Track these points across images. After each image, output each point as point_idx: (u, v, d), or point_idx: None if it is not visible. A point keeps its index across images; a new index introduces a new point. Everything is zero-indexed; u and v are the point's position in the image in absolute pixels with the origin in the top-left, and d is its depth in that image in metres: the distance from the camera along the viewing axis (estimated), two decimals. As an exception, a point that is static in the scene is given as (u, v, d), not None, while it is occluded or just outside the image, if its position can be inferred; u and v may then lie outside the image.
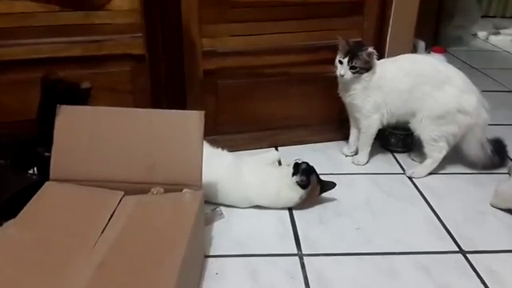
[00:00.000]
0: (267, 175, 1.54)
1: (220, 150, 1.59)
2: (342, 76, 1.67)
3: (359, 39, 1.77)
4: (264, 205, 1.52)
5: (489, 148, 1.76)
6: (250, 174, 1.52)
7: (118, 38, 1.59)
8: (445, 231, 1.46)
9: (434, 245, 1.40)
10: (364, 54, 1.65)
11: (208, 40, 1.69)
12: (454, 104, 1.66)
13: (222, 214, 1.48)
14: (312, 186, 1.50)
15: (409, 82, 1.68)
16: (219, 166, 1.51)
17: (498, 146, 1.79)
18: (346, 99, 1.76)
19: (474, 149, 1.75)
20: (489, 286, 1.25)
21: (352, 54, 1.65)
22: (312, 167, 1.52)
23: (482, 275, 1.28)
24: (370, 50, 1.65)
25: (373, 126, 1.76)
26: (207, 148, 1.45)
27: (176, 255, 0.98)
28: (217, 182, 1.48)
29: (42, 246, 1.01)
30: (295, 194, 1.50)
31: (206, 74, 1.74)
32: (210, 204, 1.50)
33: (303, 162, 1.52)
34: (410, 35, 1.88)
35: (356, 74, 1.66)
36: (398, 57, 1.75)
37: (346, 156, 1.88)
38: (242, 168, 1.54)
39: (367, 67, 1.66)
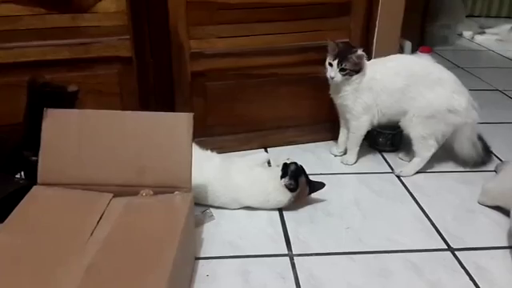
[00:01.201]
0: (256, 176, 1.54)
1: (209, 151, 1.59)
2: (332, 78, 1.68)
3: (347, 40, 1.78)
4: (254, 206, 1.52)
5: (480, 146, 1.78)
6: (239, 175, 1.52)
7: (105, 41, 1.58)
8: (433, 229, 1.47)
9: (423, 243, 1.41)
10: (353, 57, 1.65)
11: (196, 42, 1.69)
12: (445, 104, 1.68)
13: (212, 215, 1.48)
14: (301, 188, 1.50)
15: (400, 82, 1.69)
16: (208, 167, 1.51)
17: (482, 142, 1.82)
18: (337, 101, 1.77)
19: (466, 148, 1.77)
20: (477, 282, 1.26)
21: (341, 56, 1.66)
22: (301, 168, 1.52)
23: (470, 272, 1.30)
24: (360, 52, 1.66)
25: (362, 128, 1.77)
26: (196, 150, 1.45)
27: (167, 257, 0.98)
28: (206, 183, 1.48)
29: (31, 250, 1.00)
30: (283, 197, 1.50)
31: (195, 75, 1.74)
32: (200, 206, 1.49)
33: (292, 163, 1.51)
34: (396, 35, 1.89)
35: (346, 76, 1.67)
36: (388, 57, 1.76)
37: (335, 156, 1.88)
38: (232, 169, 1.54)
39: (357, 69, 1.67)
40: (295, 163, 1.52)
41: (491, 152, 1.87)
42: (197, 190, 1.39)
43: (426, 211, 1.56)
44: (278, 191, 1.50)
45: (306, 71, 1.83)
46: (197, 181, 1.31)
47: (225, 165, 1.54)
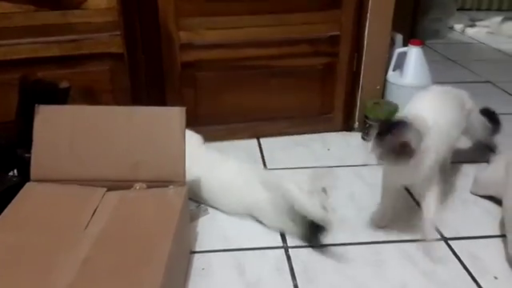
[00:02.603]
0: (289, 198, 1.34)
1: (225, 157, 1.54)
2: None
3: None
4: (261, 219, 1.43)
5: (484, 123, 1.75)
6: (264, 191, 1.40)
7: (96, 37, 1.57)
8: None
9: (417, 233, 1.42)
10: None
11: (185, 33, 1.70)
12: None
13: (206, 210, 1.48)
14: None
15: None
16: (224, 173, 1.46)
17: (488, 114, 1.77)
18: None
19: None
20: (471, 270, 1.27)
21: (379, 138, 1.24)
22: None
23: (464, 261, 1.31)
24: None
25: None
26: (214, 154, 1.48)
27: (162, 251, 0.98)
28: (220, 189, 1.45)
29: (25, 246, 1.00)
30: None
31: (184, 66, 1.74)
32: (194, 201, 1.49)
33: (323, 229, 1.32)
34: (387, 28, 1.89)
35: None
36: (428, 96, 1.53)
37: None
38: (253, 178, 1.44)
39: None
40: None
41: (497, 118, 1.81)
42: (206, 193, 1.43)
43: (419, 201, 1.56)
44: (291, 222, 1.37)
45: (296, 64, 1.84)
46: (208, 186, 1.38)
47: (243, 172, 1.47)
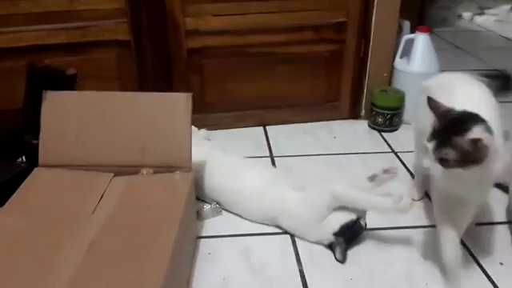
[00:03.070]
0: (317, 201, 1.29)
1: (255, 160, 1.53)
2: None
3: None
4: (290, 230, 1.35)
5: None
6: (293, 193, 1.33)
7: (102, 24, 1.58)
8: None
9: (423, 220, 1.42)
10: (463, 141, 0.97)
11: (191, 19, 1.70)
12: None
13: (220, 211, 1.43)
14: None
15: None
16: (249, 181, 1.40)
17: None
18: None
19: None
20: (477, 257, 1.27)
21: (442, 137, 1.01)
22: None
23: (470, 247, 1.30)
24: (477, 133, 0.96)
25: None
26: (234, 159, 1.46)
27: (168, 236, 0.99)
28: (244, 197, 1.39)
29: (33, 229, 1.01)
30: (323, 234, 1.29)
31: (190, 53, 1.75)
32: (202, 201, 1.46)
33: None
34: (395, 15, 1.88)
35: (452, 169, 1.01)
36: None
37: None
38: (280, 183, 1.37)
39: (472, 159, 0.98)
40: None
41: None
42: (225, 196, 1.40)
43: (426, 189, 1.56)
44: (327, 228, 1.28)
45: (302, 50, 1.83)
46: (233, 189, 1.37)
47: (273, 177, 1.41)
